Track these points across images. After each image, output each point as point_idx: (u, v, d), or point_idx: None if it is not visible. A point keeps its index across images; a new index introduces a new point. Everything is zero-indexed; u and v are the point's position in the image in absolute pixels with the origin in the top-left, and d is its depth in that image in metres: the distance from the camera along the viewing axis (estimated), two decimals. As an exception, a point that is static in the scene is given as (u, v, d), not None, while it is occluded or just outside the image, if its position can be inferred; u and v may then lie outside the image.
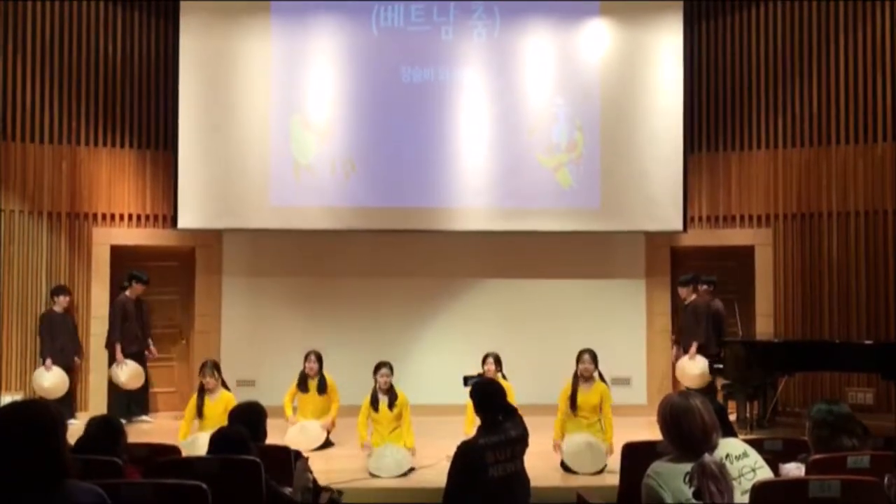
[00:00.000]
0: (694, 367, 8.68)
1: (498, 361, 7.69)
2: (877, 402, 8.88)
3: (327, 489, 4.98)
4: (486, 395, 4.57)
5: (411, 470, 6.69)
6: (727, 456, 2.83)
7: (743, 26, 9.67)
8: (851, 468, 3.59)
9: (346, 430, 7.81)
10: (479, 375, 4.69)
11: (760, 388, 8.51)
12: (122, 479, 3.69)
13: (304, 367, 7.93)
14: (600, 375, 7.16)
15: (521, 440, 4.41)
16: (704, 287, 9.02)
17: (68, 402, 8.66)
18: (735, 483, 2.77)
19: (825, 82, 9.35)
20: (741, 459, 2.90)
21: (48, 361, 8.63)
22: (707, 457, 2.72)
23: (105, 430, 4.10)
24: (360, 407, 7.38)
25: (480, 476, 4.24)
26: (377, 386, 7.28)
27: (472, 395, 4.64)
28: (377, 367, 7.33)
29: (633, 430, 7.04)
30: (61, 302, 8.85)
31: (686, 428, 2.81)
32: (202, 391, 7.34)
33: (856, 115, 9.22)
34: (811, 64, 9.40)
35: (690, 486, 2.72)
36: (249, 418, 4.57)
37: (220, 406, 7.07)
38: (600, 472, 6.59)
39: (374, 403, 7.22)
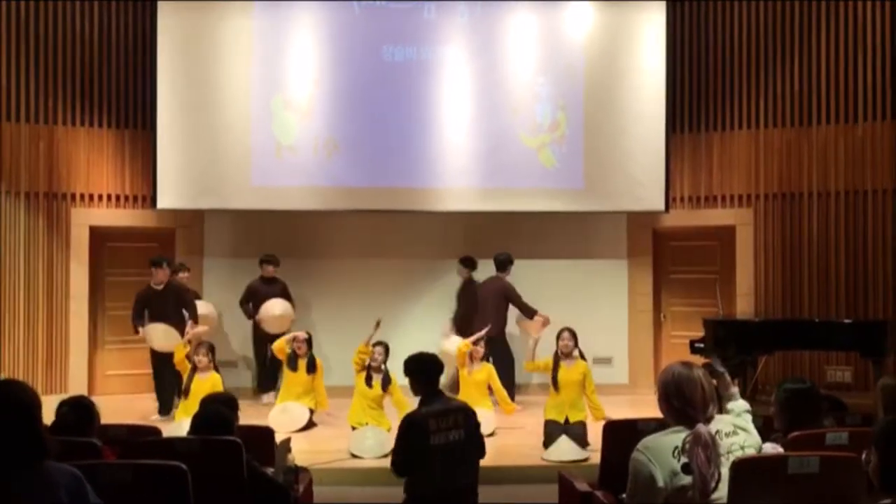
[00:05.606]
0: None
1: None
2: (855, 381, 8.95)
3: (305, 469, 4.98)
4: (424, 366, 4.50)
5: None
6: (717, 432, 2.88)
7: (725, 7, 9.63)
8: (830, 444, 3.63)
9: (331, 411, 7.92)
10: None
11: (740, 367, 8.56)
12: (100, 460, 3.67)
13: (293, 347, 7.92)
14: (581, 354, 7.20)
15: (464, 410, 4.37)
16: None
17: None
18: (723, 459, 2.82)
19: (806, 63, 9.34)
20: (730, 437, 2.95)
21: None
22: (702, 426, 2.81)
23: (77, 412, 4.05)
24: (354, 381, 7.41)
25: (424, 445, 4.19)
26: (370, 362, 7.32)
27: (409, 368, 4.52)
28: (374, 345, 7.38)
29: (615, 409, 7.13)
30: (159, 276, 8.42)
31: (687, 395, 2.88)
32: (193, 370, 7.37)
33: (837, 96, 9.23)
34: (792, 44, 9.39)
35: (679, 460, 2.76)
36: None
37: (207, 385, 7.07)
38: (585, 460, 6.35)
39: (369, 380, 7.28)
